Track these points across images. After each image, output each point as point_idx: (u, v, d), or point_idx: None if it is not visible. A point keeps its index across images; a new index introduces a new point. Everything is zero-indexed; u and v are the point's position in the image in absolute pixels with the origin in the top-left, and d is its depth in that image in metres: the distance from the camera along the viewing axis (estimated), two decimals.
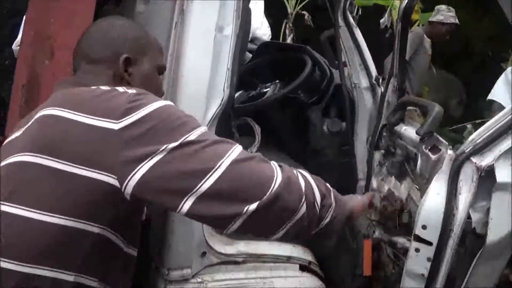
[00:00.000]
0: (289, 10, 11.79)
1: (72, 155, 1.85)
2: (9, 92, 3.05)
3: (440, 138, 3.03)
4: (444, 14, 8.31)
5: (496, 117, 2.81)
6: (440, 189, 2.83)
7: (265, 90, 4.85)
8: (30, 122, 2.04)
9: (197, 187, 1.84)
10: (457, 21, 8.33)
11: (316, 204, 2.07)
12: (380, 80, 4.47)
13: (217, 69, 3.23)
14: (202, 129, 1.93)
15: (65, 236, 1.85)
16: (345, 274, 4.01)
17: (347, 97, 4.53)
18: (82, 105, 1.92)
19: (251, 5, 3.43)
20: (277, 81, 4.89)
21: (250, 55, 5.60)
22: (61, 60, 2.94)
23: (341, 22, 4.55)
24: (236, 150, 1.92)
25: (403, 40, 3.92)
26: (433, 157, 2.96)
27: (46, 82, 2.93)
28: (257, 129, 4.23)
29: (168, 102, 1.97)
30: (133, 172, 1.83)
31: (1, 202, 1.86)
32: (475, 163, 2.78)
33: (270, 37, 6.66)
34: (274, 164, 2.02)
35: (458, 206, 2.78)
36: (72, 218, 1.85)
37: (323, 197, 2.13)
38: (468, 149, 2.81)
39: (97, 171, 1.83)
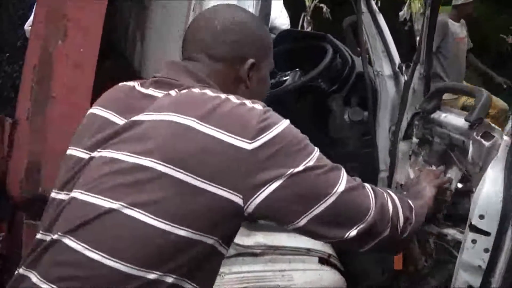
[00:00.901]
0: (307, 3, 11.76)
1: (202, 170, 1.86)
2: (20, 74, 2.95)
3: (492, 125, 2.96)
4: None
5: None
6: (497, 177, 2.74)
7: (284, 78, 4.75)
8: (144, 123, 1.95)
9: (312, 209, 1.95)
10: None
11: (399, 226, 2.19)
12: (404, 68, 4.33)
13: None
14: (317, 153, 1.99)
15: (181, 244, 1.88)
16: (371, 269, 3.91)
17: (369, 86, 4.41)
18: (216, 119, 1.89)
19: None
20: (297, 69, 4.78)
21: None
22: (75, 40, 2.84)
23: (363, 7, 4.42)
24: (344, 178, 2.00)
25: (431, 25, 3.81)
26: (486, 144, 2.88)
27: (58, 62, 2.82)
28: None
29: (287, 121, 1.98)
30: (259, 193, 1.88)
31: (121, 204, 1.87)
32: None
33: (288, 27, 6.56)
34: (369, 189, 2.10)
35: None
36: (192, 230, 1.87)
37: (405, 219, 2.22)
38: None
39: (224, 188, 1.86)
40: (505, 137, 2.79)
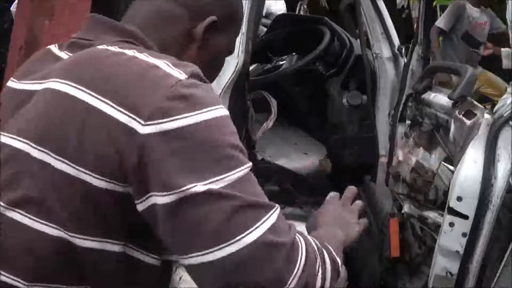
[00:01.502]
0: None
1: (81, 155, 1.32)
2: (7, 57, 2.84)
3: (475, 102, 2.81)
4: None
5: None
6: (476, 157, 2.62)
7: (281, 62, 4.68)
8: (31, 94, 1.45)
9: (203, 253, 1.26)
10: None
11: None
12: (403, 50, 4.25)
13: None
14: (243, 173, 1.30)
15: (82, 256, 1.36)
16: (368, 257, 3.84)
17: (368, 69, 4.31)
18: (108, 85, 1.33)
19: None
20: (293, 53, 4.70)
21: (265, 29, 5.43)
22: (62, 20, 2.73)
23: None
24: (267, 223, 1.28)
25: (428, 4, 3.71)
26: (468, 122, 2.74)
27: (46, 43, 2.70)
28: (273, 102, 4.07)
29: (222, 112, 1.32)
30: (145, 198, 1.29)
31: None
32: None
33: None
34: (300, 254, 1.32)
35: (496, 175, 2.57)
36: (86, 237, 1.35)
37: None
38: (507, 112, 2.59)
39: (106, 179, 1.31)
40: (486, 115, 2.69)
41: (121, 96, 1.30)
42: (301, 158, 4.31)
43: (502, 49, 6.31)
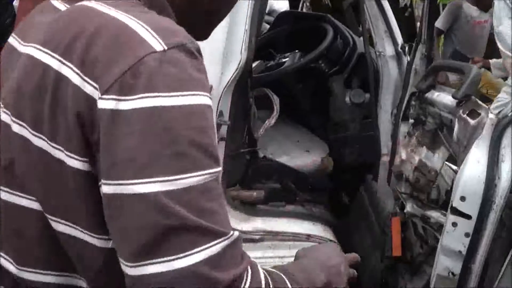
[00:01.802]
0: None
1: (51, 128, 1.18)
2: None
3: (479, 102, 2.78)
4: None
5: None
6: (480, 157, 2.61)
7: (284, 60, 4.65)
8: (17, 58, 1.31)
9: (127, 264, 1.08)
10: None
11: None
12: (407, 48, 4.22)
13: (234, 31, 3.04)
14: (199, 178, 1.07)
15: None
16: (370, 255, 3.83)
17: (371, 67, 4.27)
18: (83, 51, 1.15)
19: None
20: (296, 51, 4.68)
21: (268, 26, 5.42)
22: None
23: None
24: (206, 251, 1.05)
25: (432, 3, 3.69)
26: (472, 122, 2.72)
27: None
28: (276, 99, 4.05)
29: (194, 100, 1.10)
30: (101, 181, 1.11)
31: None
32: None
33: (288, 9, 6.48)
34: (245, 275, 1.11)
35: (500, 175, 2.56)
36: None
37: None
38: None
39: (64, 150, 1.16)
40: (491, 115, 2.67)
41: (90, 63, 1.12)
42: (303, 156, 4.29)
43: (491, 60, 6.29)
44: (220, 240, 1.07)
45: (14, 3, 5.12)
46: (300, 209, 4.06)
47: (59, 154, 1.14)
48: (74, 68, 1.13)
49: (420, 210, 3.23)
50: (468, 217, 2.63)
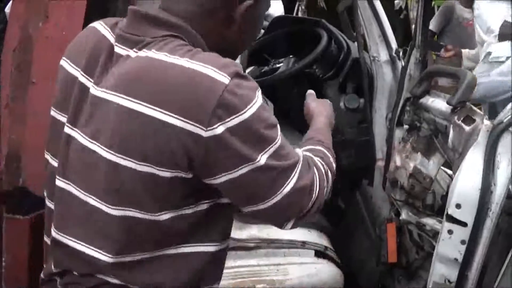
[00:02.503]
0: None
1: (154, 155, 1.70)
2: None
3: (474, 108, 2.77)
4: None
5: None
6: (476, 164, 2.61)
7: (278, 65, 4.63)
8: (100, 102, 1.76)
9: (259, 204, 1.77)
10: None
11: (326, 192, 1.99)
12: (401, 53, 4.21)
13: None
14: (279, 141, 1.75)
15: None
16: (365, 261, 3.82)
17: (365, 72, 4.25)
18: (167, 98, 1.66)
19: None
20: (290, 56, 4.66)
21: (262, 31, 5.39)
22: (57, 21, 2.68)
23: None
24: (295, 177, 1.79)
25: (426, 7, 3.67)
26: (467, 128, 2.73)
27: (39, 45, 2.67)
28: (270, 105, 4.01)
29: (260, 100, 1.69)
30: (216, 177, 1.72)
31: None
32: None
33: (282, 13, 6.45)
34: (316, 184, 1.88)
35: (496, 182, 2.56)
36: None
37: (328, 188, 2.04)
38: (507, 118, 2.57)
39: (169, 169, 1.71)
40: (486, 121, 2.67)
41: (182, 107, 1.62)
42: None
43: (463, 49, 6.26)
44: (297, 165, 1.78)
45: (6, 9, 5.09)
46: None
47: (164, 173, 1.67)
48: (170, 113, 1.62)
49: (415, 217, 3.22)
50: (463, 224, 2.63)
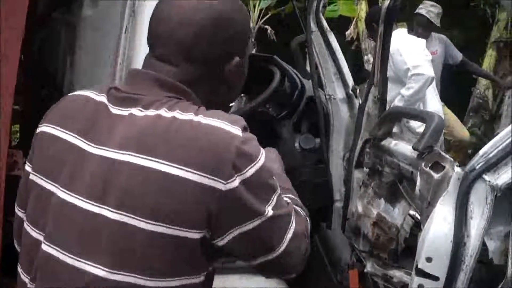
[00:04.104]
0: (251, 25, 11.55)
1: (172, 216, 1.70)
2: None
3: (443, 153, 2.65)
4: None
5: (510, 127, 2.45)
6: (447, 214, 2.53)
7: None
8: (107, 163, 1.75)
9: (268, 255, 1.82)
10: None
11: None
12: (358, 91, 4.08)
13: None
14: (278, 191, 1.83)
15: None
16: None
17: (321, 110, 4.13)
18: (186, 155, 1.69)
19: None
20: (241, 95, 4.49)
21: None
22: None
23: (313, 26, 4.17)
24: (293, 223, 1.85)
25: (385, 45, 3.55)
26: (436, 176, 2.65)
27: None
28: None
29: (264, 153, 1.78)
30: (224, 236, 1.74)
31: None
32: (489, 181, 2.48)
33: None
34: (305, 226, 1.96)
35: (470, 233, 2.49)
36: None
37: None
38: (480, 165, 2.50)
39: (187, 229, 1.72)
40: (457, 169, 2.60)
41: (200, 162, 1.67)
42: None
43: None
44: (292, 212, 1.84)
45: None
46: None
47: (178, 232, 1.67)
48: (188, 169, 1.65)
49: (381, 270, 3.10)
50: (435, 278, 2.55)
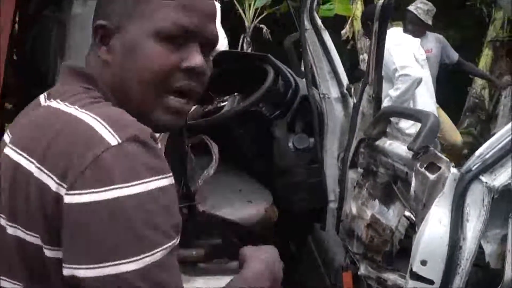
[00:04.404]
0: (247, 24, 11.54)
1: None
2: None
3: (439, 154, 2.60)
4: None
5: (508, 127, 2.39)
6: (442, 216, 2.48)
7: (222, 104, 4.43)
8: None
9: None
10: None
11: None
12: (352, 90, 4.02)
13: None
14: (159, 254, 1.23)
15: None
16: None
17: (315, 110, 4.10)
18: (50, 155, 1.30)
19: None
20: (235, 94, 4.45)
21: None
22: None
23: (307, 24, 4.12)
24: None
25: (380, 43, 3.48)
26: (431, 176, 2.59)
27: None
28: (214, 147, 3.82)
29: (147, 187, 1.23)
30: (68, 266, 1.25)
31: None
32: (486, 182, 2.42)
33: (227, 48, 6.26)
34: None
35: (466, 236, 2.43)
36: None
37: None
38: (476, 166, 2.45)
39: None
40: (453, 170, 2.55)
41: (55, 162, 1.28)
42: (245, 207, 4.04)
43: None
44: None
45: None
46: None
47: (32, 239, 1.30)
48: (42, 168, 1.28)
49: (375, 272, 3.05)
50: (430, 282, 2.50)
